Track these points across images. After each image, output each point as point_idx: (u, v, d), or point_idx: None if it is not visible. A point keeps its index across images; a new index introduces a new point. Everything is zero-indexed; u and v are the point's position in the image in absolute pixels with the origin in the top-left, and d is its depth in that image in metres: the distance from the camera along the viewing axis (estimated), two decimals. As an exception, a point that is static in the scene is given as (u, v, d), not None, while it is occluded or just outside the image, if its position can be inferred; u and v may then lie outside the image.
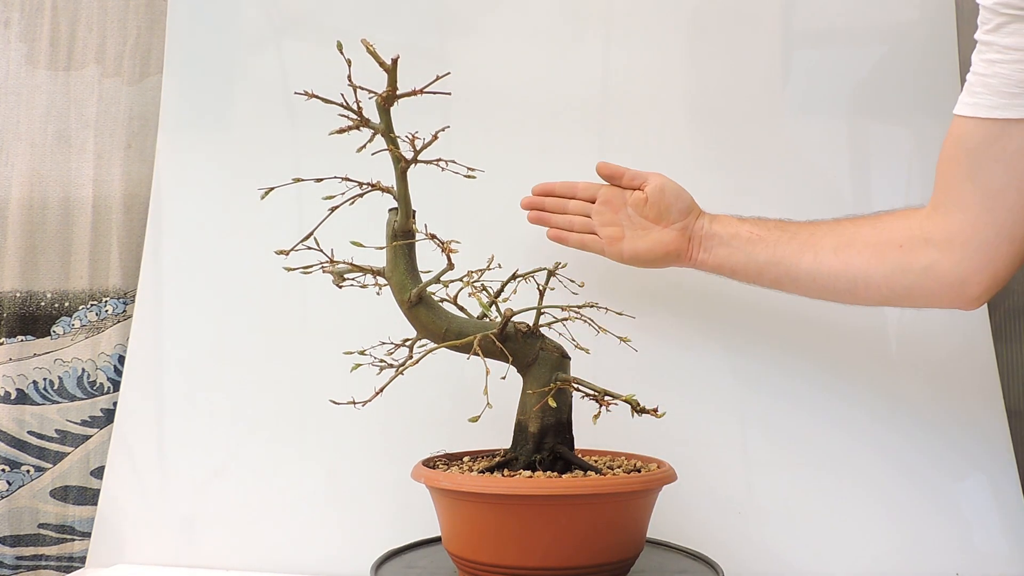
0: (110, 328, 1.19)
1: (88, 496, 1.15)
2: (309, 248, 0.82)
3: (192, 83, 1.18)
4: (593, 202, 0.95)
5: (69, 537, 1.16)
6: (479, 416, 0.73)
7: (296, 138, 1.15)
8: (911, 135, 1.06)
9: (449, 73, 0.77)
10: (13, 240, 1.21)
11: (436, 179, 1.13)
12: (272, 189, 0.81)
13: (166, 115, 1.18)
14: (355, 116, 0.76)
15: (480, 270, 0.82)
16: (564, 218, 0.97)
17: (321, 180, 0.80)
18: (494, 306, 0.84)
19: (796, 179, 1.07)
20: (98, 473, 1.15)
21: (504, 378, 0.80)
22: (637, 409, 0.76)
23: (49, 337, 1.19)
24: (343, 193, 0.81)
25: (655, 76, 1.10)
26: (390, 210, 0.80)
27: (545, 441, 0.77)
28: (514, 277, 0.84)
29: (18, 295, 1.20)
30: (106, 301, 1.19)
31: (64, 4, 1.24)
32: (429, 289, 0.79)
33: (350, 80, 0.75)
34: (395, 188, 0.79)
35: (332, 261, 0.82)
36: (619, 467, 0.82)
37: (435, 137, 0.76)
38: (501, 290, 0.85)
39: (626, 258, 0.93)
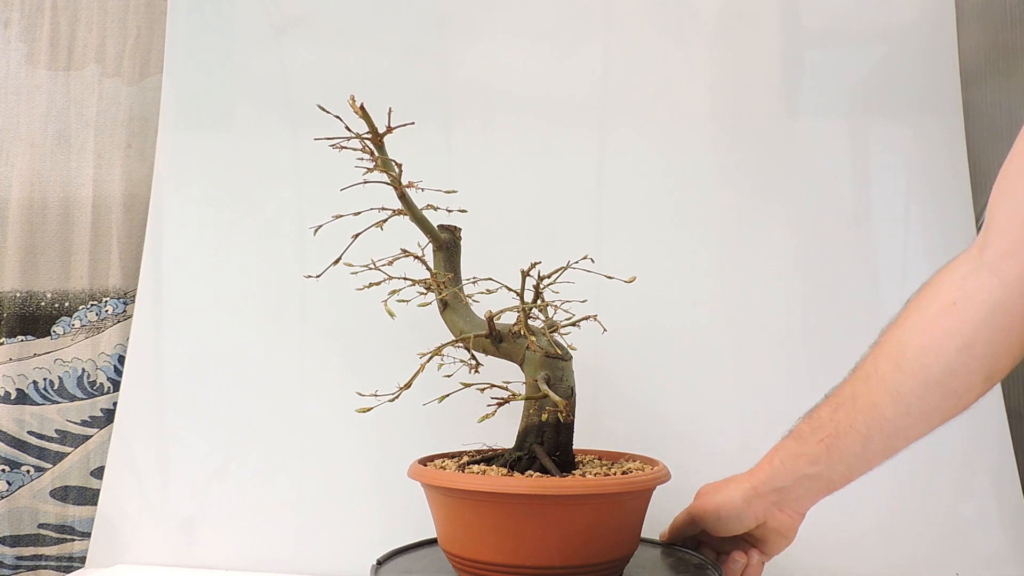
0: (110, 328, 1.19)
1: (88, 496, 1.15)
2: (348, 264, 0.87)
3: (192, 83, 1.18)
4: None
5: (69, 537, 1.16)
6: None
7: (296, 138, 1.15)
8: (911, 135, 1.06)
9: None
10: (13, 240, 1.21)
11: (435, 178, 1.13)
12: (320, 227, 0.88)
13: (166, 115, 1.18)
14: (369, 154, 0.82)
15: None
16: None
17: (359, 213, 0.87)
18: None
19: (796, 179, 1.07)
20: (98, 473, 1.15)
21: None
22: (541, 409, 0.76)
23: (49, 337, 1.19)
24: (357, 213, 0.87)
25: (655, 76, 1.10)
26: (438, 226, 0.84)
27: (527, 440, 0.78)
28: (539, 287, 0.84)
29: (18, 295, 1.20)
30: (106, 301, 1.19)
31: (64, 4, 1.24)
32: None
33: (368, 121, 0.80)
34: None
35: (389, 278, 0.83)
36: (617, 466, 0.82)
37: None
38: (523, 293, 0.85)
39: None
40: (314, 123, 1.16)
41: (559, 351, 0.78)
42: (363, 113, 0.77)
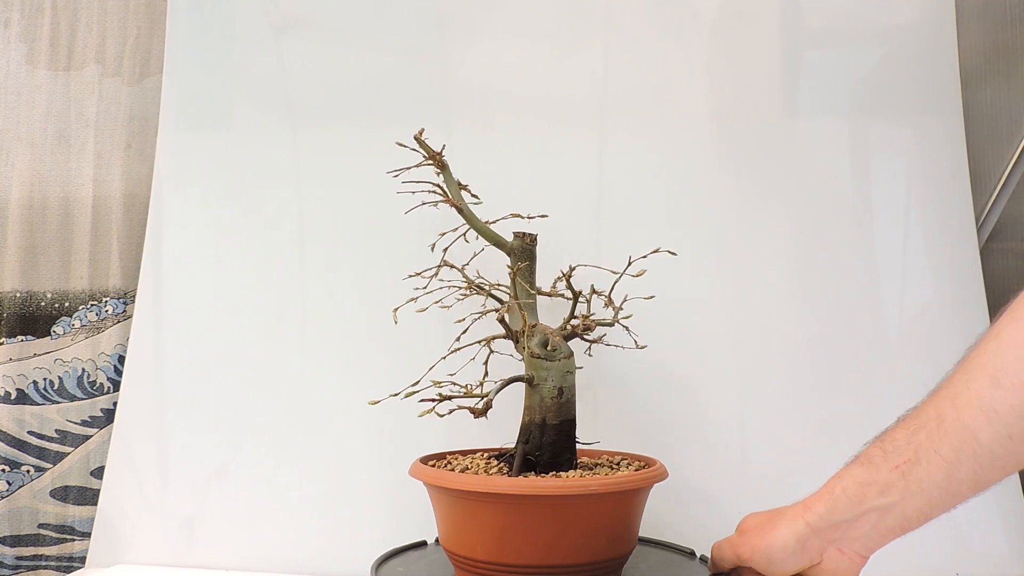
0: (110, 328, 1.19)
1: (88, 496, 1.15)
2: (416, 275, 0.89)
3: (192, 83, 1.18)
4: None
5: (69, 537, 1.16)
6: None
7: (296, 138, 1.15)
8: (912, 135, 1.06)
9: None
10: (13, 240, 1.21)
11: (435, 178, 1.13)
12: (418, 274, 0.89)
13: (166, 115, 1.18)
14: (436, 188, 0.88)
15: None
16: None
17: (422, 274, 0.89)
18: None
19: (796, 179, 1.07)
20: (98, 473, 1.15)
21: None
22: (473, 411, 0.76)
23: (49, 337, 1.19)
24: (443, 233, 0.90)
25: (655, 76, 1.10)
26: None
27: (518, 440, 0.79)
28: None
29: (18, 295, 1.20)
30: (106, 301, 1.19)
31: (64, 4, 1.24)
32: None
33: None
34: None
35: (470, 285, 0.86)
36: (615, 466, 0.82)
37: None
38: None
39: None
40: (314, 123, 1.16)
41: (540, 352, 0.78)
42: (421, 142, 0.86)
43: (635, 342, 0.87)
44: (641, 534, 0.81)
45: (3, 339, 1.19)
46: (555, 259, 0.89)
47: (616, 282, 0.85)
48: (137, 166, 1.21)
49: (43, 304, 1.20)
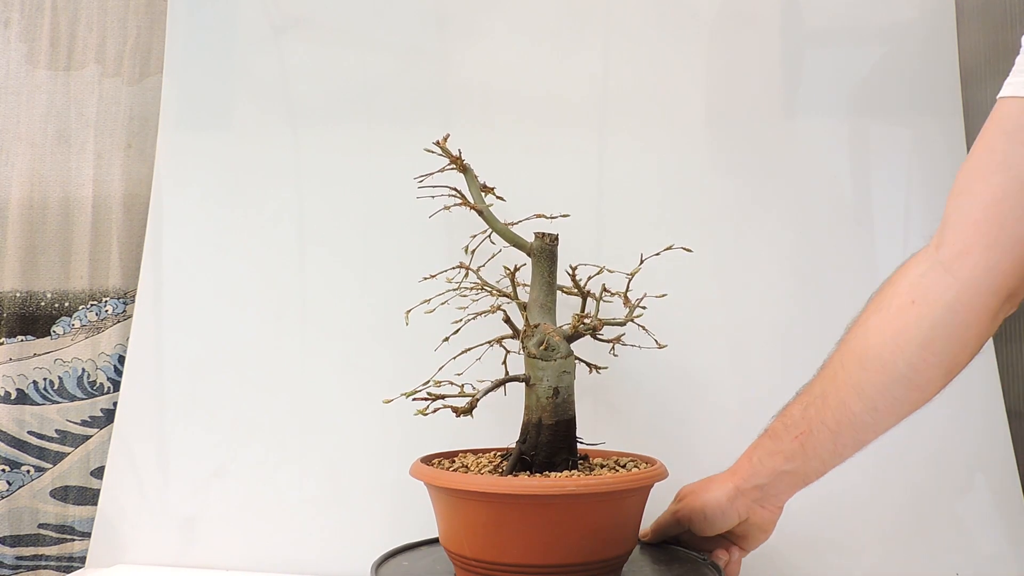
0: (110, 328, 1.19)
1: (88, 496, 1.15)
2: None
3: (192, 83, 1.18)
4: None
5: (69, 537, 1.16)
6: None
7: (296, 138, 1.15)
8: (911, 135, 1.06)
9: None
10: (13, 240, 1.21)
11: (435, 178, 1.13)
12: (433, 276, 0.90)
13: (166, 115, 1.18)
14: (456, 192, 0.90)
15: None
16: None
17: (472, 249, 0.89)
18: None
19: (795, 178, 1.07)
20: (98, 473, 1.15)
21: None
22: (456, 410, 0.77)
23: (49, 337, 1.19)
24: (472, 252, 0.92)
25: (655, 77, 1.10)
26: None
27: (518, 440, 0.80)
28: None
29: (18, 295, 1.20)
30: (106, 301, 1.19)
31: (64, 4, 1.24)
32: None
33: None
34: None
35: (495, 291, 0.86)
36: (615, 465, 0.82)
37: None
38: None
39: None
40: (314, 123, 1.16)
41: (536, 352, 0.79)
42: (444, 149, 0.89)
43: (655, 341, 0.87)
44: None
45: (3, 339, 1.19)
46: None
47: (631, 279, 0.85)
48: (137, 166, 1.21)
49: (43, 304, 1.20)
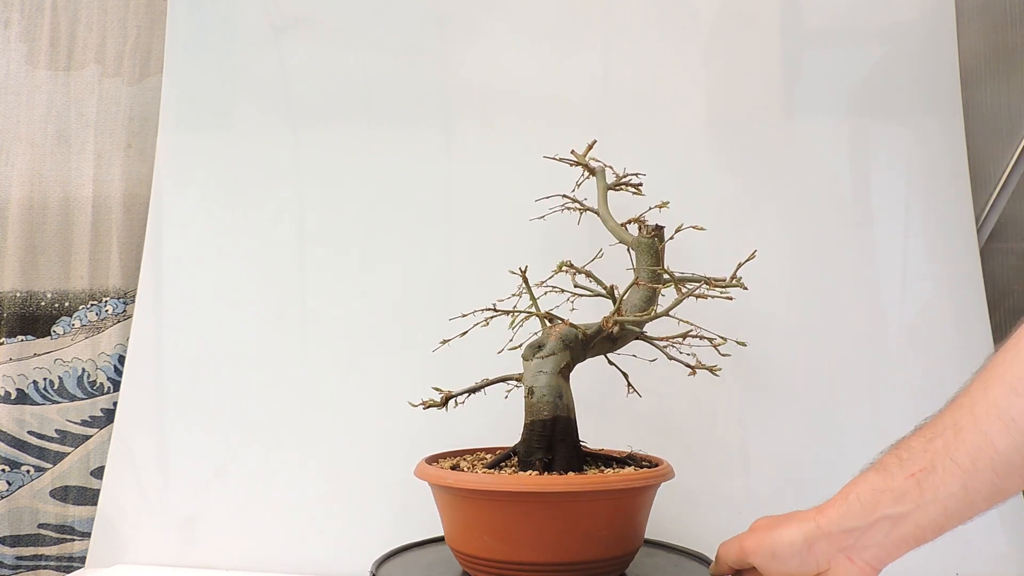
0: (110, 328, 1.19)
1: (88, 496, 1.15)
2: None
3: (192, 83, 1.18)
4: None
5: (69, 537, 1.16)
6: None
7: (296, 138, 1.15)
8: (911, 135, 1.06)
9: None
10: (13, 240, 1.21)
11: (435, 178, 1.14)
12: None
13: (166, 115, 1.18)
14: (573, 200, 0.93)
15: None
16: None
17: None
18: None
19: (795, 178, 1.07)
20: (98, 473, 1.15)
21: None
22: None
23: (49, 337, 1.19)
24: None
25: (655, 77, 1.10)
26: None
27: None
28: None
29: (18, 295, 1.20)
30: (106, 301, 1.19)
31: (64, 4, 1.24)
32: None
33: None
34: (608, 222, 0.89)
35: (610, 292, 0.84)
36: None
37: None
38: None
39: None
40: (315, 123, 1.16)
41: (524, 352, 0.79)
42: (579, 157, 0.94)
43: (713, 345, 0.82)
44: (650, 536, 0.81)
45: (3, 339, 1.19)
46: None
47: (696, 288, 0.83)
48: (137, 166, 1.21)
49: (43, 304, 1.20)
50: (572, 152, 0.94)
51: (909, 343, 1.03)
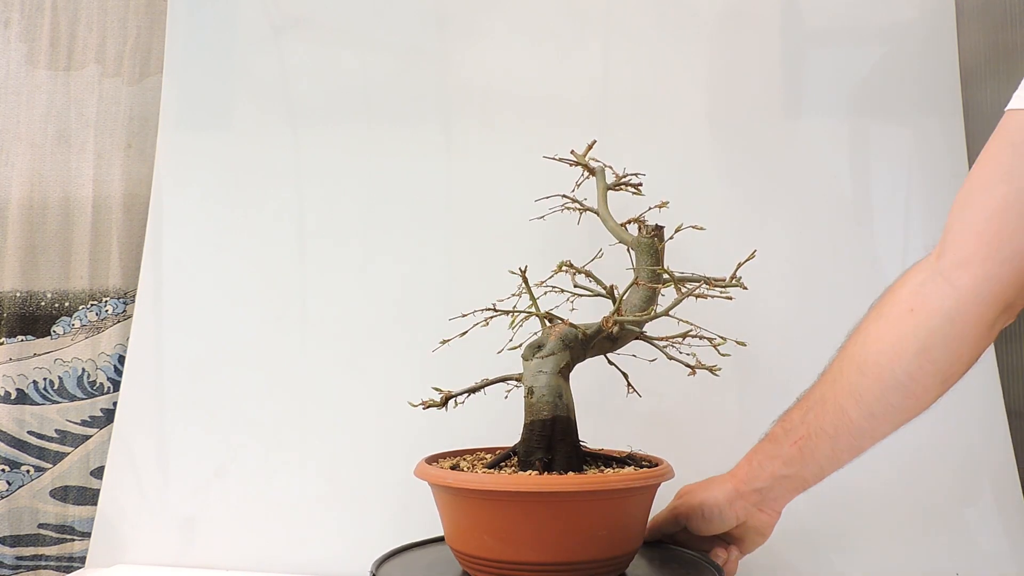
0: (110, 328, 1.19)
1: (88, 496, 1.15)
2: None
3: (192, 83, 1.18)
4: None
5: (69, 537, 1.16)
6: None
7: (296, 138, 1.15)
8: (911, 135, 1.06)
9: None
10: (13, 240, 1.21)
11: (435, 178, 1.14)
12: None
13: (166, 115, 1.18)
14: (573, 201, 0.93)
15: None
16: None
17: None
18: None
19: (796, 178, 1.07)
20: (98, 473, 1.15)
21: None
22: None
23: (49, 337, 1.19)
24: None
25: (655, 76, 1.10)
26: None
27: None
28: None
29: (18, 295, 1.20)
30: (106, 301, 1.19)
31: (64, 4, 1.24)
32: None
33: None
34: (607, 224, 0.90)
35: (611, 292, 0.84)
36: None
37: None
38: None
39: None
40: (314, 123, 1.16)
41: (524, 353, 0.80)
42: (578, 157, 0.95)
43: (712, 345, 0.83)
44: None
45: (3, 339, 1.19)
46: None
47: (699, 286, 0.84)
48: (137, 166, 1.21)
49: (43, 304, 1.20)
50: (572, 152, 0.94)
51: (909, 343, 1.03)
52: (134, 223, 1.20)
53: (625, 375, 0.88)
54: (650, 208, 0.90)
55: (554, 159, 0.95)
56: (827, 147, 1.07)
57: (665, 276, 0.81)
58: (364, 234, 1.12)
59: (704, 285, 0.81)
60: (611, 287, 0.82)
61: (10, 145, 1.23)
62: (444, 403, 0.81)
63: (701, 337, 0.82)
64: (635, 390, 0.88)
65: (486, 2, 1.14)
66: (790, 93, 1.09)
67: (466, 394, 0.81)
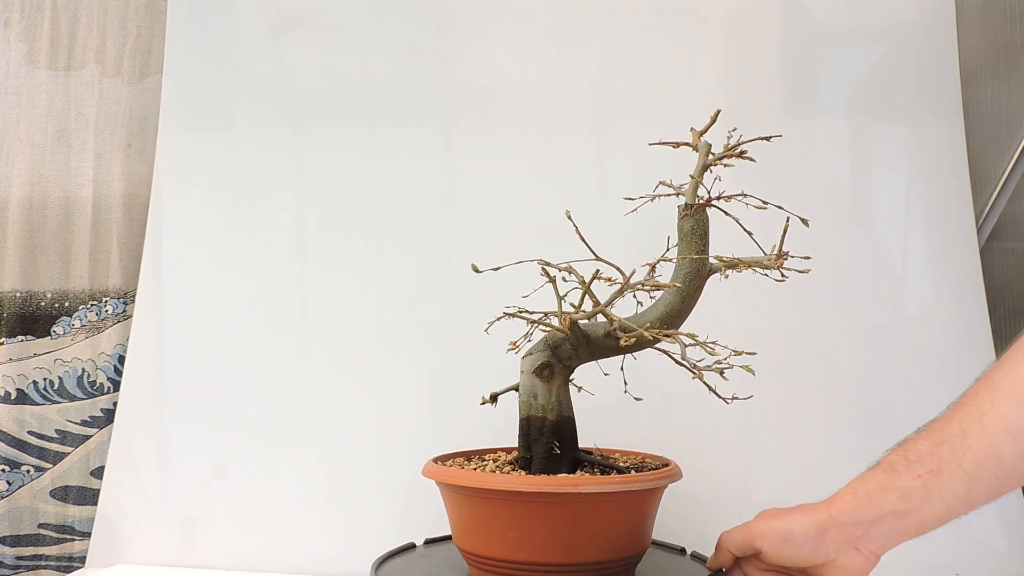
0: (110, 328, 1.19)
1: (88, 496, 1.15)
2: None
3: (192, 83, 1.18)
4: None
5: (69, 537, 1.16)
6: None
7: (296, 138, 1.15)
8: (911, 135, 1.06)
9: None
10: (13, 240, 1.21)
11: (435, 178, 1.14)
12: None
13: (166, 115, 1.18)
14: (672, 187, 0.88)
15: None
16: None
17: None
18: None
19: (796, 178, 1.07)
20: (98, 473, 1.15)
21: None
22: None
23: (49, 337, 1.19)
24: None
25: (655, 76, 1.10)
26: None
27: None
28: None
29: (18, 295, 1.20)
30: (106, 301, 1.19)
31: (64, 4, 1.24)
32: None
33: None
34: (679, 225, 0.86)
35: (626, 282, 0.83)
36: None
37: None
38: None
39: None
40: (315, 123, 1.16)
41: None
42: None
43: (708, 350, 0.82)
44: (653, 536, 0.81)
45: (3, 339, 1.19)
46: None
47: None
48: (137, 166, 1.21)
49: (43, 304, 1.20)
50: (691, 130, 0.88)
51: (908, 342, 1.03)
52: (134, 223, 1.20)
53: (624, 375, 0.88)
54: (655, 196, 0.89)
55: (661, 144, 0.90)
56: (827, 147, 1.07)
57: (714, 260, 0.79)
58: (364, 234, 1.12)
59: (753, 267, 0.79)
60: (588, 283, 0.80)
61: (10, 145, 1.23)
62: (494, 400, 0.83)
63: (711, 351, 0.81)
64: (632, 394, 0.88)
65: (486, 2, 1.14)
66: (790, 93, 1.09)
67: (504, 392, 0.83)
